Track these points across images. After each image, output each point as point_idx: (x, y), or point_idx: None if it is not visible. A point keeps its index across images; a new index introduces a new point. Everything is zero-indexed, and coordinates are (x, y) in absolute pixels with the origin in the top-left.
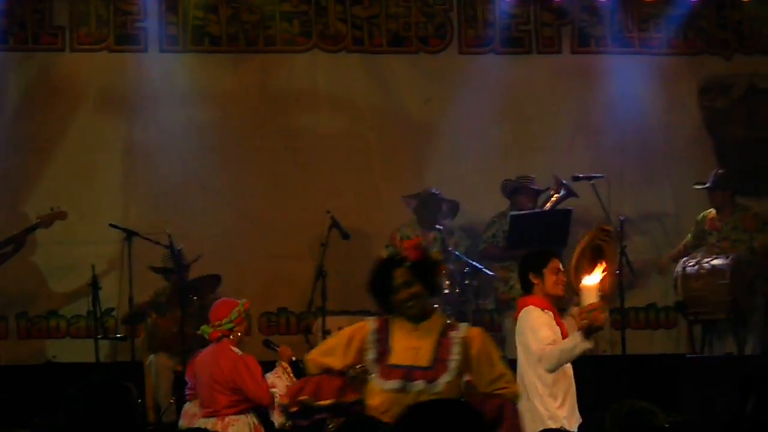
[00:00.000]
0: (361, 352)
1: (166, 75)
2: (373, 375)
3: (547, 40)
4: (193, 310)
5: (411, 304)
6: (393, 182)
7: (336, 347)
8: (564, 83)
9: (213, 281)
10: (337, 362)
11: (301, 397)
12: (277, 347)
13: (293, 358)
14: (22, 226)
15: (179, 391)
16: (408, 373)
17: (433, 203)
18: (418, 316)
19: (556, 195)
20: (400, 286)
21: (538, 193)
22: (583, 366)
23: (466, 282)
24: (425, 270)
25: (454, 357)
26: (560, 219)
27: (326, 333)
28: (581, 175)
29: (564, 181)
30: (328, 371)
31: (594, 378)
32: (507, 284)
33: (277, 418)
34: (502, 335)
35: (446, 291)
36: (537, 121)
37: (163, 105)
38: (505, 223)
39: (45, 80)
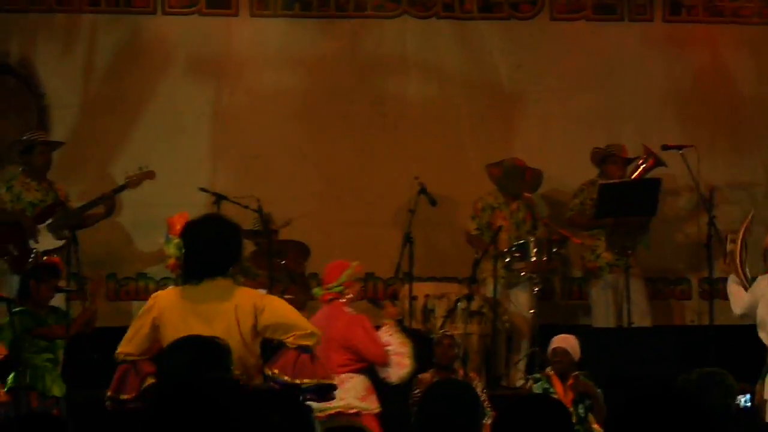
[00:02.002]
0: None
1: (256, 39)
2: None
3: (638, 8)
4: (280, 274)
5: None
6: (481, 149)
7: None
8: (654, 51)
9: (302, 250)
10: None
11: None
12: (383, 306)
13: (399, 317)
14: (110, 187)
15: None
16: None
17: (515, 173)
18: None
19: (645, 164)
20: None
21: (628, 161)
22: (670, 336)
23: (554, 250)
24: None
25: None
26: (649, 188)
27: (413, 299)
28: (671, 145)
29: (653, 151)
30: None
31: (681, 348)
32: (594, 253)
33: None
34: (589, 304)
35: (533, 259)
36: (627, 89)
37: (252, 69)
38: (594, 192)
39: (135, 43)
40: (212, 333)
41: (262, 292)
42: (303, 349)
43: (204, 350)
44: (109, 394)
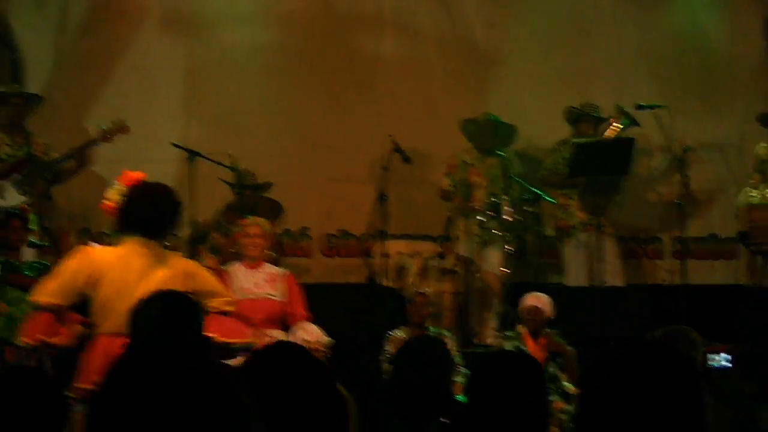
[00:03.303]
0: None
1: None
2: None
3: None
4: None
5: None
6: (455, 107)
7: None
8: (629, 11)
9: (275, 208)
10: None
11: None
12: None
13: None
14: (83, 141)
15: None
16: None
17: (489, 128)
18: None
19: (617, 123)
20: None
21: (601, 121)
22: (642, 295)
23: (527, 209)
24: None
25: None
26: (623, 148)
27: (385, 256)
28: (644, 104)
29: (626, 110)
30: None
31: (653, 307)
32: (567, 211)
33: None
34: (561, 263)
35: (507, 217)
36: (601, 48)
37: (226, 25)
38: (567, 151)
39: None
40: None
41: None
42: (226, 314)
43: (177, 307)
44: (39, 337)
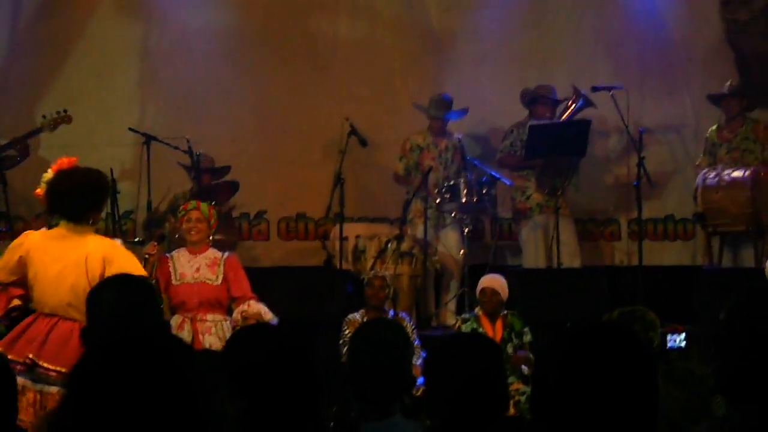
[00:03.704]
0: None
1: None
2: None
3: None
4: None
5: None
6: (412, 89)
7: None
8: None
9: (230, 188)
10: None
11: None
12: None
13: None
14: (32, 127)
15: None
16: None
17: (441, 104)
18: None
19: (574, 105)
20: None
21: (557, 102)
22: (599, 276)
23: (484, 191)
24: None
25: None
26: (579, 129)
27: (343, 239)
28: (600, 86)
29: (583, 91)
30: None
31: (610, 289)
32: (524, 194)
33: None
34: (518, 244)
35: (464, 200)
36: (557, 30)
37: (182, 8)
38: (524, 133)
39: None
40: (65, 276)
41: (117, 242)
42: None
43: (132, 290)
44: None
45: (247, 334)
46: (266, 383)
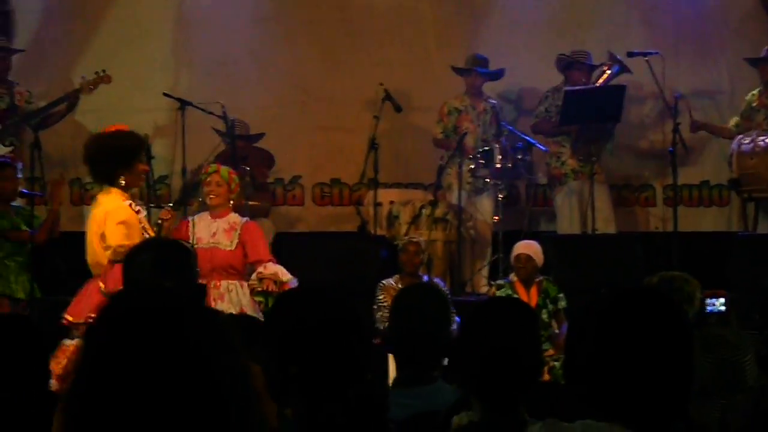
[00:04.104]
0: (140, 235)
1: None
2: None
3: None
4: (243, 181)
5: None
6: (446, 55)
7: (131, 232)
8: None
9: (266, 157)
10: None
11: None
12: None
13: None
14: (71, 89)
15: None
16: None
17: (476, 61)
18: None
19: (609, 71)
20: (144, 171)
21: (593, 68)
22: (634, 242)
23: (519, 156)
24: None
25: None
26: (614, 95)
27: (378, 205)
28: (636, 51)
29: (618, 57)
30: None
31: (645, 254)
32: (559, 159)
33: None
34: (553, 210)
35: (498, 165)
36: None
37: None
38: (559, 98)
39: None
40: (89, 236)
41: (123, 205)
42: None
43: (169, 253)
44: None
45: (292, 298)
46: (316, 348)
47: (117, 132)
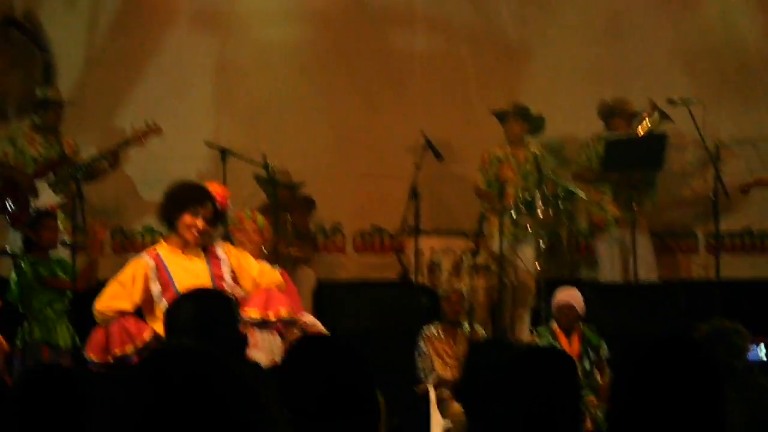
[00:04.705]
0: (147, 287)
1: None
2: (163, 304)
3: None
4: (285, 229)
5: (198, 235)
6: (487, 102)
7: (120, 291)
8: (663, 5)
9: (307, 204)
10: (127, 305)
11: (115, 351)
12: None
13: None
14: (116, 140)
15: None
16: None
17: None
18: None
19: (650, 119)
20: (191, 226)
21: (634, 116)
22: (677, 290)
23: (560, 205)
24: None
25: (228, 271)
26: (656, 143)
27: (419, 252)
28: (677, 99)
29: (659, 105)
30: (122, 314)
31: (687, 303)
32: (600, 207)
33: None
34: (595, 258)
35: (540, 213)
36: (634, 43)
37: (257, 22)
38: (600, 146)
39: None
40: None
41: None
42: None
43: (209, 305)
44: None
45: (305, 346)
46: (325, 396)
47: (181, 181)
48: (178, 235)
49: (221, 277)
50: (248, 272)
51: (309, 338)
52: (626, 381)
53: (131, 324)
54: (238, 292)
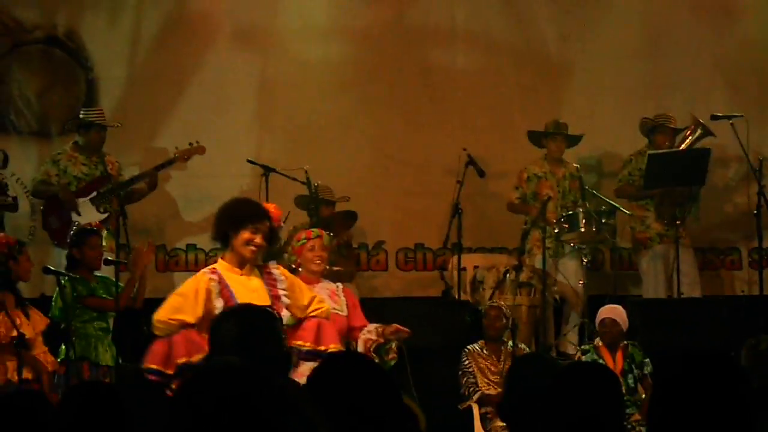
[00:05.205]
0: (209, 301)
1: (302, 9)
2: None
3: None
4: (331, 247)
5: (256, 252)
6: (530, 120)
7: (183, 304)
8: (704, 20)
9: (348, 218)
10: (190, 317)
11: (180, 360)
12: None
13: None
14: (159, 159)
15: None
16: None
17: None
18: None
19: (693, 134)
20: (249, 242)
21: (676, 132)
22: (720, 306)
23: (603, 221)
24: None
25: (283, 291)
26: (698, 158)
27: (462, 269)
28: (720, 114)
29: (702, 121)
30: (184, 326)
31: (730, 318)
32: (643, 223)
33: None
34: (638, 274)
35: (583, 229)
36: (676, 58)
37: (298, 40)
38: (642, 162)
39: (181, 14)
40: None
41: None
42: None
43: (253, 321)
44: None
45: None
46: (353, 417)
47: (236, 197)
48: (235, 252)
49: (278, 297)
50: (300, 298)
51: (330, 357)
52: (662, 396)
53: (195, 335)
54: (285, 314)
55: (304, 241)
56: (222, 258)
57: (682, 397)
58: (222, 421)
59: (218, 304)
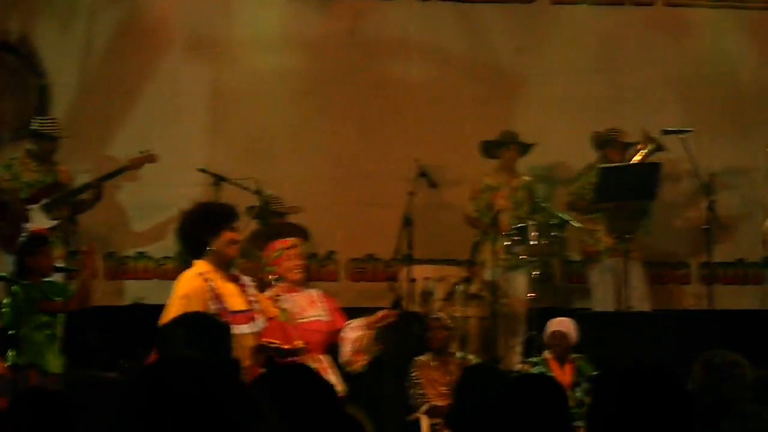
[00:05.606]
0: (206, 305)
1: (256, 19)
2: None
3: None
4: None
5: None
6: (483, 132)
7: (189, 306)
8: (656, 36)
9: (301, 232)
10: None
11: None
12: None
13: None
14: (111, 167)
15: None
16: (250, 316)
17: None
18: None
19: (644, 149)
20: (233, 241)
21: (628, 146)
22: (670, 320)
23: (553, 234)
24: None
25: (255, 298)
26: (650, 172)
27: (412, 281)
28: (671, 129)
29: (653, 135)
30: None
31: (681, 332)
32: (593, 237)
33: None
34: (588, 288)
35: (533, 242)
36: (628, 73)
37: (252, 50)
38: (593, 176)
39: (135, 22)
40: None
41: (186, 279)
42: None
43: (201, 328)
44: None
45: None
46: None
47: (203, 202)
48: (216, 255)
49: (252, 302)
50: (264, 302)
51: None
52: (599, 409)
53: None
54: (261, 318)
55: (281, 252)
56: (198, 264)
57: (618, 412)
58: (171, 405)
59: (213, 307)
